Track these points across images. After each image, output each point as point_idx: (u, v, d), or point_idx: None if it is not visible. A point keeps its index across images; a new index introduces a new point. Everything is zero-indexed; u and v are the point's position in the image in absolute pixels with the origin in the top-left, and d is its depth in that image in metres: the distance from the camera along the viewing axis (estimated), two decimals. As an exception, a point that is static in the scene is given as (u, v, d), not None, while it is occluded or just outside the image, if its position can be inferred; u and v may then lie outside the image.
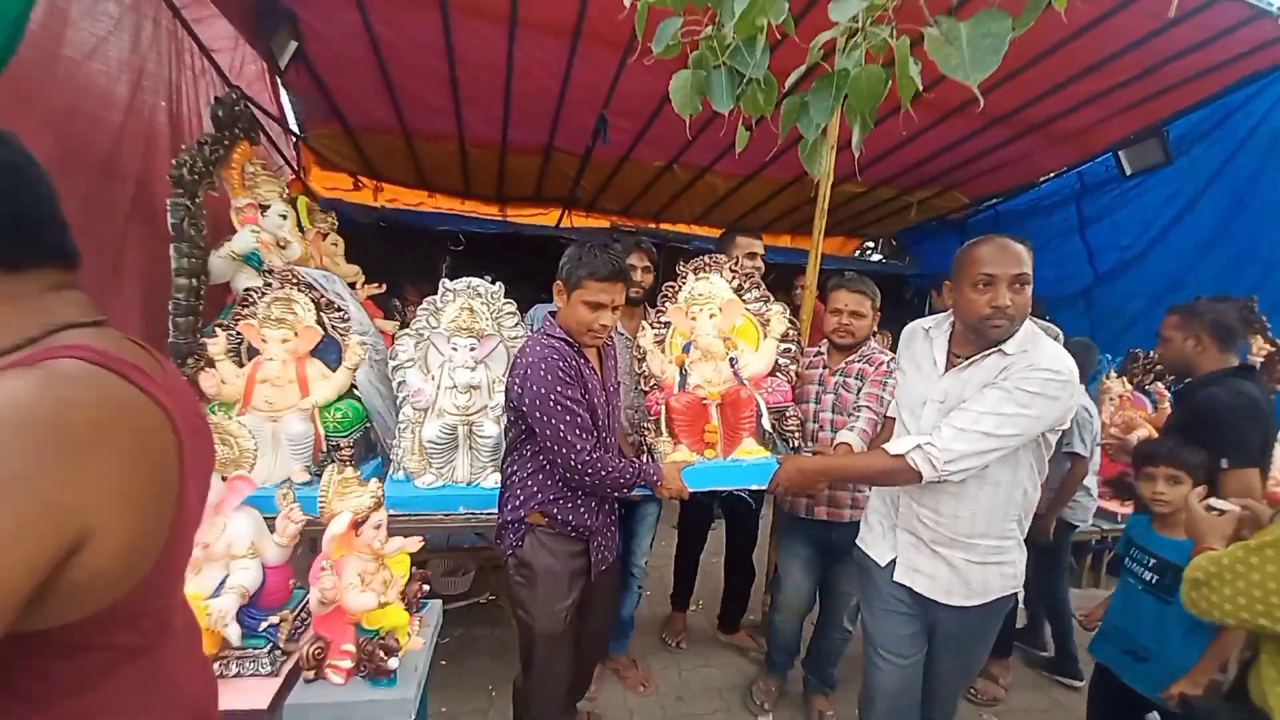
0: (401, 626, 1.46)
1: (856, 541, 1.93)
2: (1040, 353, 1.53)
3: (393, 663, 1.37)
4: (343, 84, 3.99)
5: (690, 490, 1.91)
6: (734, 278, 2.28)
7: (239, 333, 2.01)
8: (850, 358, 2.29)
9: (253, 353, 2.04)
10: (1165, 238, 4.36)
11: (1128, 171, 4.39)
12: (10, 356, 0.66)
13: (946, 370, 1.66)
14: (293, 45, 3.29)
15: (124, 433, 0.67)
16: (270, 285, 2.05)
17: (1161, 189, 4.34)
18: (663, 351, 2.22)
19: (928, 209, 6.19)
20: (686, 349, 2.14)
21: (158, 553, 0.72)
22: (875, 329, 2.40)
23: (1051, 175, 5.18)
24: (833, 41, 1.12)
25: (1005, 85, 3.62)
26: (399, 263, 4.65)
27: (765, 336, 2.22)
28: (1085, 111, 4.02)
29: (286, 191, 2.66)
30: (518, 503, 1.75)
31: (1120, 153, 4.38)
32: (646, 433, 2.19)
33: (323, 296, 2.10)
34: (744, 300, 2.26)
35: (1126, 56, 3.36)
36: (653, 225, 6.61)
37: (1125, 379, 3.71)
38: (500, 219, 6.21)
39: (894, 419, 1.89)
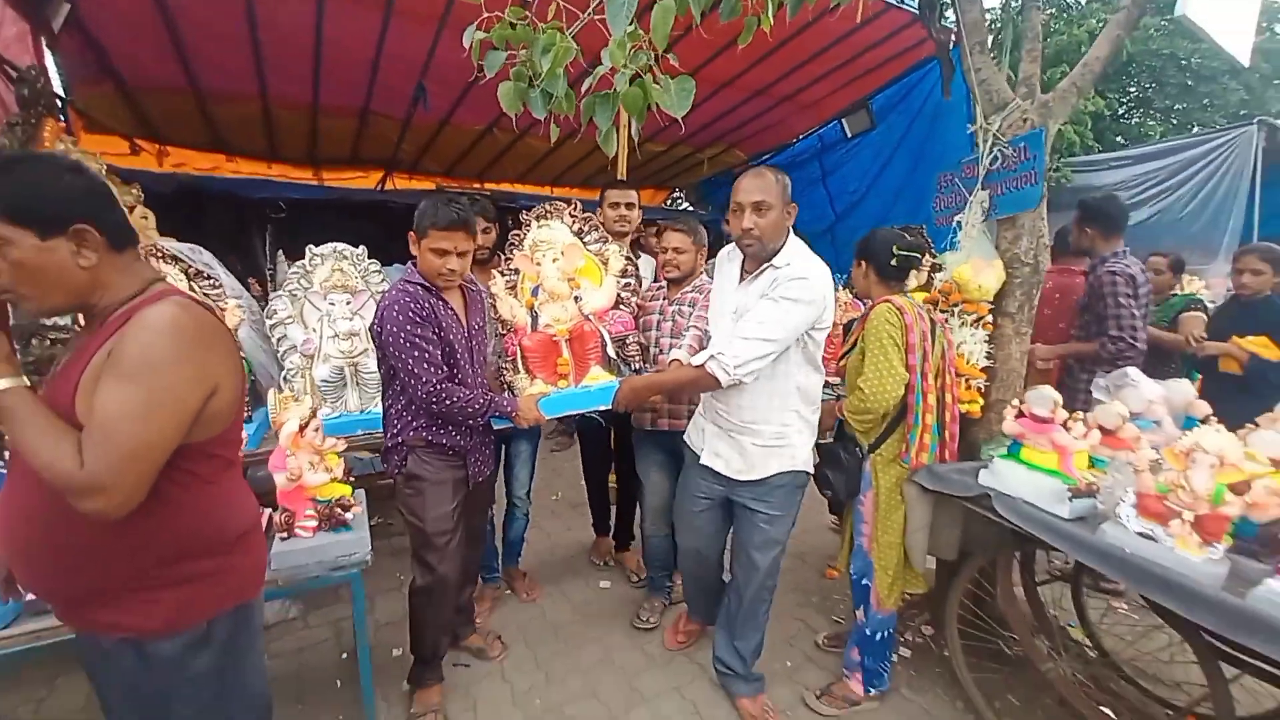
0: (346, 494, 1.86)
1: (684, 437, 2.22)
2: (797, 265, 1.77)
3: (349, 515, 1.81)
4: (121, 44, 3.67)
5: (547, 416, 2.09)
6: (574, 222, 2.37)
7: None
8: (684, 289, 2.48)
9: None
10: (875, 185, 5.76)
11: (848, 134, 5.68)
12: (136, 300, 1.05)
13: (739, 284, 1.92)
14: (66, 7, 3.07)
15: (221, 332, 1.13)
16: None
17: (871, 148, 5.69)
18: (514, 296, 2.32)
19: (716, 164, 7.21)
20: (535, 292, 2.23)
21: (240, 403, 1.18)
22: (703, 262, 2.62)
23: (801, 136, 6.41)
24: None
25: (759, 66, 4.57)
26: (213, 233, 4.43)
27: (606, 274, 2.32)
28: (817, 87, 5.14)
29: (104, 168, 2.60)
30: (395, 430, 1.96)
31: (842, 120, 5.67)
32: (505, 371, 2.31)
33: (191, 266, 2.21)
34: (584, 242, 2.36)
35: (837, 47, 4.43)
36: (477, 185, 6.82)
37: (849, 291, 5.01)
38: (316, 183, 5.99)
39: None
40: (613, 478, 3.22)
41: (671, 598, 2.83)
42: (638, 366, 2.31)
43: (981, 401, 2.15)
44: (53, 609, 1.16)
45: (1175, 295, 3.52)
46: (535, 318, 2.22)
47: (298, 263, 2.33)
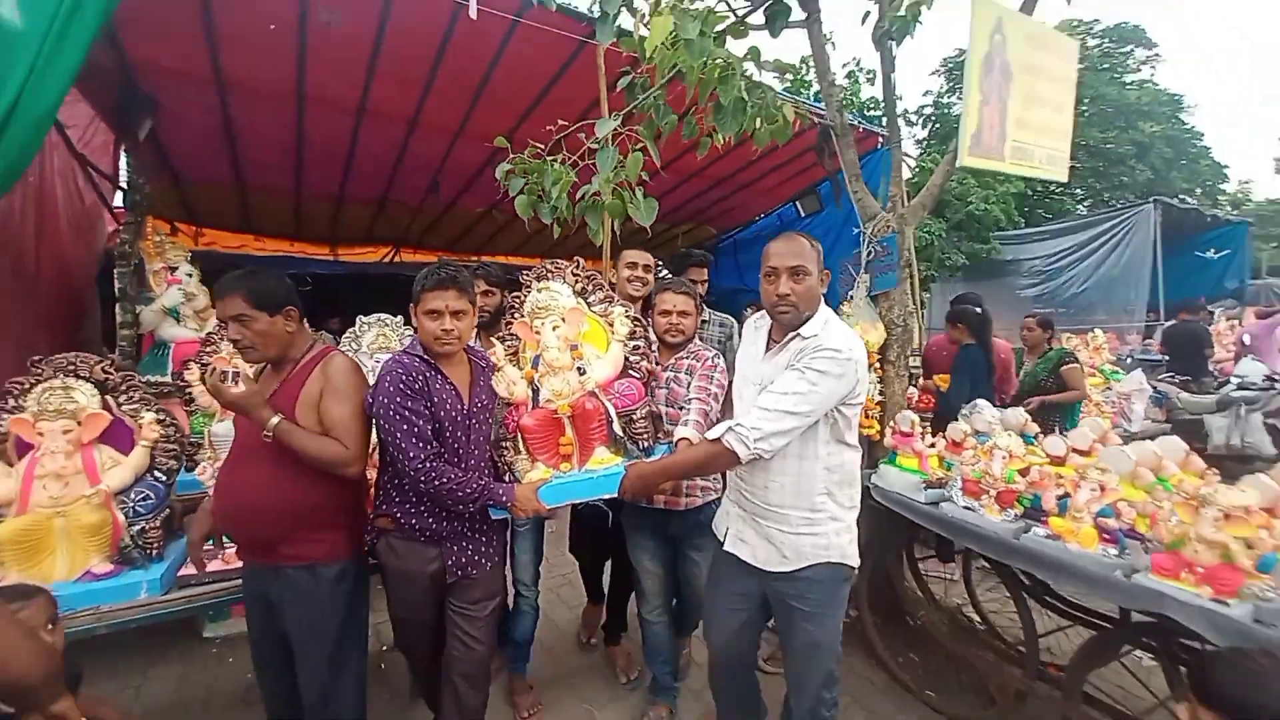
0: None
1: (713, 524, 1.99)
2: (828, 335, 1.61)
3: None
4: (184, 147, 4.33)
5: (548, 506, 1.87)
6: (576, 281, 2.19)
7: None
8: (679, 354, 2.28)
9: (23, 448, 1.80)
10: (825, 260, 6.61)
11: (802, 214, 6.55)
12: (312, 351, 1.64)
13: (765, 355, 1.76)
14: (149, 124, 3.75)
15: (363, 376, 1.67)
16: (41, 374, 1.84)
17: (822, 225, 6.51)
18: (516, 365, 2.12)
19: (690, 237, 8.06)
20: (536, 363, 2.03)
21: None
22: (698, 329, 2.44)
23: (762, 215, 7.30)
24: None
25: (720, 161, 5.40)
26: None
27: (613, 338, 2.11)
28: (770, 177, 6.01)
29: (188, 254, 3.20)
30: (375, 507, 1.82)
31: (797, 202, 6.56)
32: (506, 450, 2.04)
33: (110, 379, 1.94)
34: (588, 304, 2.16)
35: (791, 144, 5.31)
36: (475, 258, 7.57)
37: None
38: (332, 258, 6.67)
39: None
40: None
41: (677, 699, 2.48)
42: (646, 445, 2.05)
43: (878, 427, 2.76)
44: (252, 552, 1.71)
45: (1051, 349, 4.25)
46: (536, 392, 2.00)
47: (350, 329, 2.89)
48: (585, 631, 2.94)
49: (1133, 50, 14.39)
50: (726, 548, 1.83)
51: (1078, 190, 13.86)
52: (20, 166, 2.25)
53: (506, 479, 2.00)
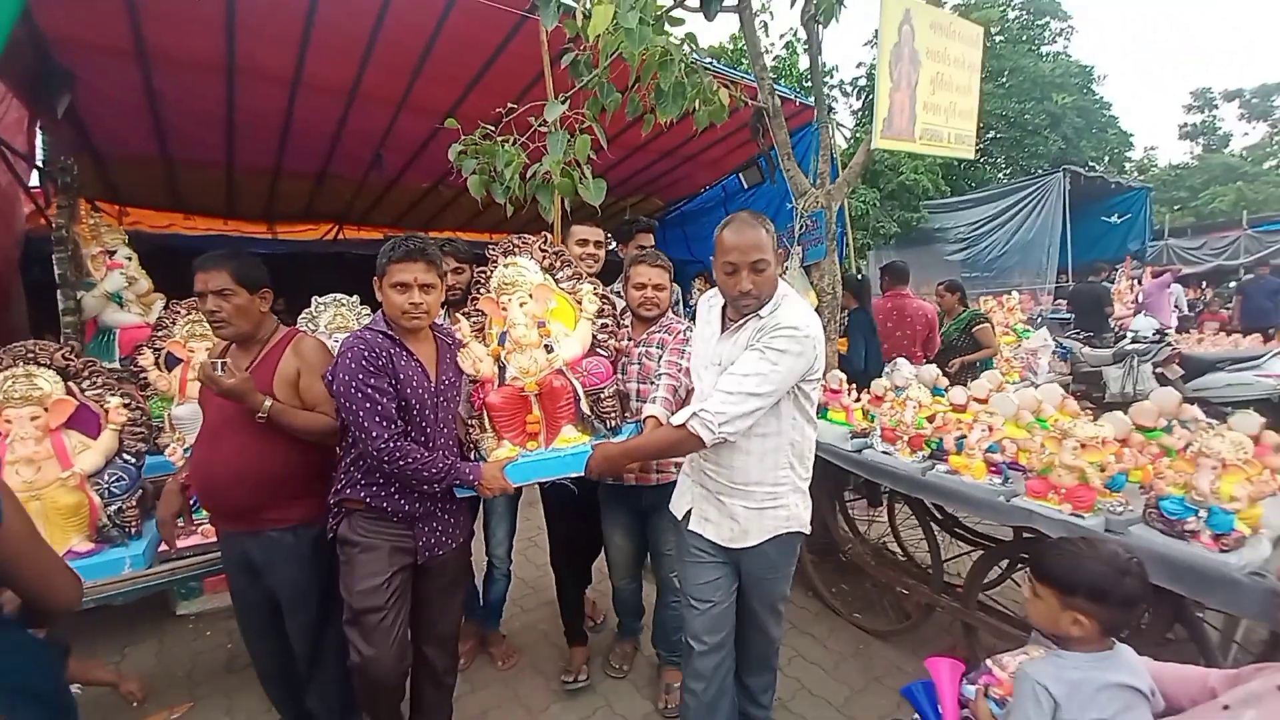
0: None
1: (670, 505, 1.94)
2: (785, 312, 1.58)
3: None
4: (105, 123, 4.09)
5: (514, 484, 1.85)
6: (545, 257, 2.13)
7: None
8: (651, 328, 2.23)
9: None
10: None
11: (745, 186, 6.73)
12: (278, 333, 1.70)
13: (721, 335, 1.72)
14: (67, 99, 3.55)
15: (331, 354, 1.76)
16: (1, 363, 1.85)
17: (764, 197, 6.72)
18: (483, 342, 2.05)
19: (638, 210, 8.14)
20: (502, 340, 1.98)
21: None
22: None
23: (707, 187, 7.47)
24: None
25: (665, 135, 5.50)
26: (186, 289, 4.84)
27: (581, 315, 2.06)
28: (715, 149, 6.14)
29: (125, 237, 3.09)
30: (337, 487, 1.74)
31: (740, 174, 6.75)
32: (472, 429, 2.00)
33: (71, 365, 1.96)
34: (556, 280, 2.11)
35: (732, 120, 5.47)
36: (421, 234, 7.42)
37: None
38: (270, 237, 6.43)
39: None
40: None
41: (640, 641, 2.62)
42: (614, 424, 2.03)
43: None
44: (234, 521, 1.76)
45: (964, 311, 4.67)
46: (503, 369, 1.96)
47: (305, 310, 2.90)
48: (571, 673, 2.50)
49: (1049, 22, 15.16)
50: (691, 527, 1.79)
51: (999, 160, 14.66)
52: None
53: (472, 457, 1.96)
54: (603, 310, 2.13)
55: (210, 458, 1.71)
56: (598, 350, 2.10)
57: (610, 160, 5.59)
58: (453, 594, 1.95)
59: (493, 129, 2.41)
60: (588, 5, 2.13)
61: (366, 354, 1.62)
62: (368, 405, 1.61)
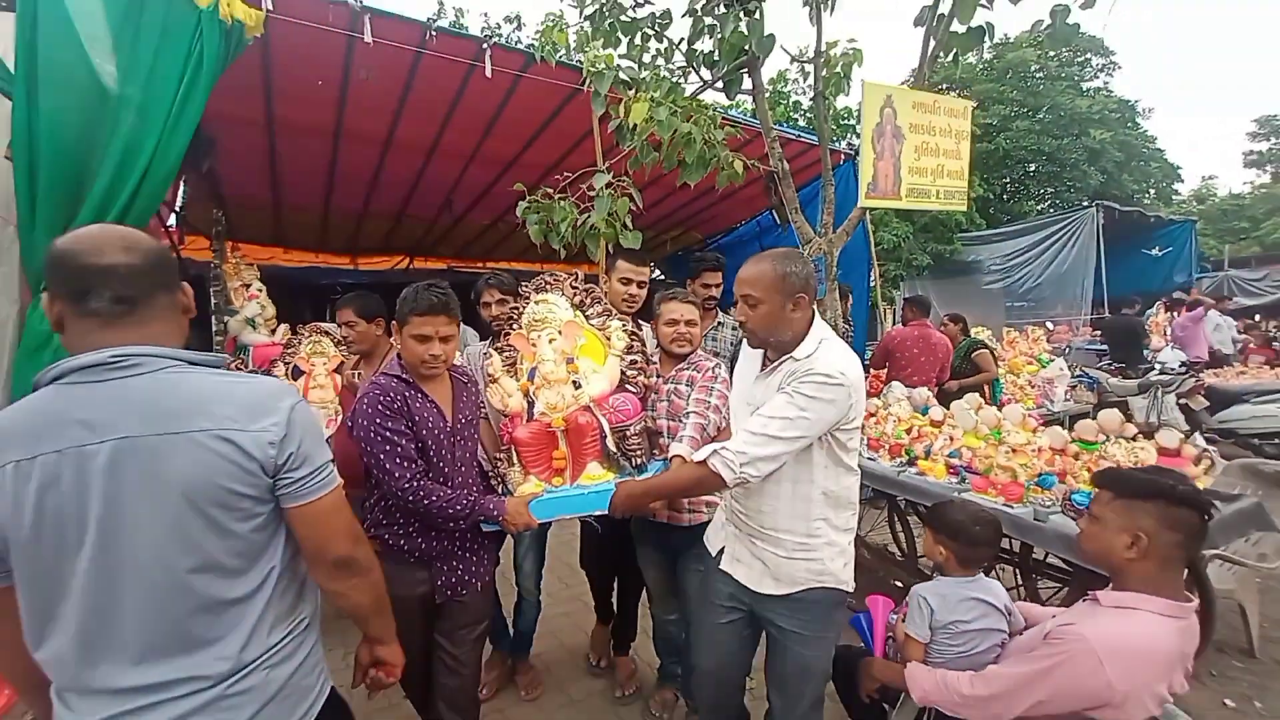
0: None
1: (705, 536, 1.93)
2: (821, 358, 1.53)
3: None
4: (235, 177, 4.95)
5: (538, 520, 1.84)
6: (575, 294, 2.13)
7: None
8: (680, 365, 2.21)
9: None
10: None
11: (777, 221, 7.19)
12: (393, 352, 2.26)
13: (759, 375, 1.69)
14: (209, 161, 4.34)
15: None
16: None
17: (793, 233, 7.22)
18: (514, 377, 2.07)
19: (678, 242, 8.71)
20: (532, 375, 1.99)
21: None
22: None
23: (743, 222, 7.94)
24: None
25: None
26: (294, 309, 5.63)
27: (610, 352, 2.06)
28: (751, 188, 6.59)
29: (259, 274, 3.81)
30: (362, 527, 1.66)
31: (773, 210, 7.19)
32: (500, 463, 2.02)
33: (576, 292, 2.14)
34: (586, 316, 2.11)
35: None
36: (481, 265, 8.18)
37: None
38: (352, 267, 7.29)
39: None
40: None
41: (681, 689, 2.48)
42: (639, 462, 2.00)
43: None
44: None
45: (964, 340, 4.98)
46: (531, 404, 1.98)
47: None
48: (594, 654, 2.77)
49: (1089, 59, 15.17)
50: (722, 566, 1.76)
51: (1038, 193, 14.64)
52: (152, 210, 2.87)
53: (500, 491, 1.97)
54: (631, 346, 2.11)
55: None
56: (626, 386, 2.07)
57: (654, 196, 6.19)
58: (470, 641, 1.86)
59: (551, 192, 2.96)
60: (629, 95, 2.67)
61: (382, 398, 1.66)
62: (387, 448, 1.64)
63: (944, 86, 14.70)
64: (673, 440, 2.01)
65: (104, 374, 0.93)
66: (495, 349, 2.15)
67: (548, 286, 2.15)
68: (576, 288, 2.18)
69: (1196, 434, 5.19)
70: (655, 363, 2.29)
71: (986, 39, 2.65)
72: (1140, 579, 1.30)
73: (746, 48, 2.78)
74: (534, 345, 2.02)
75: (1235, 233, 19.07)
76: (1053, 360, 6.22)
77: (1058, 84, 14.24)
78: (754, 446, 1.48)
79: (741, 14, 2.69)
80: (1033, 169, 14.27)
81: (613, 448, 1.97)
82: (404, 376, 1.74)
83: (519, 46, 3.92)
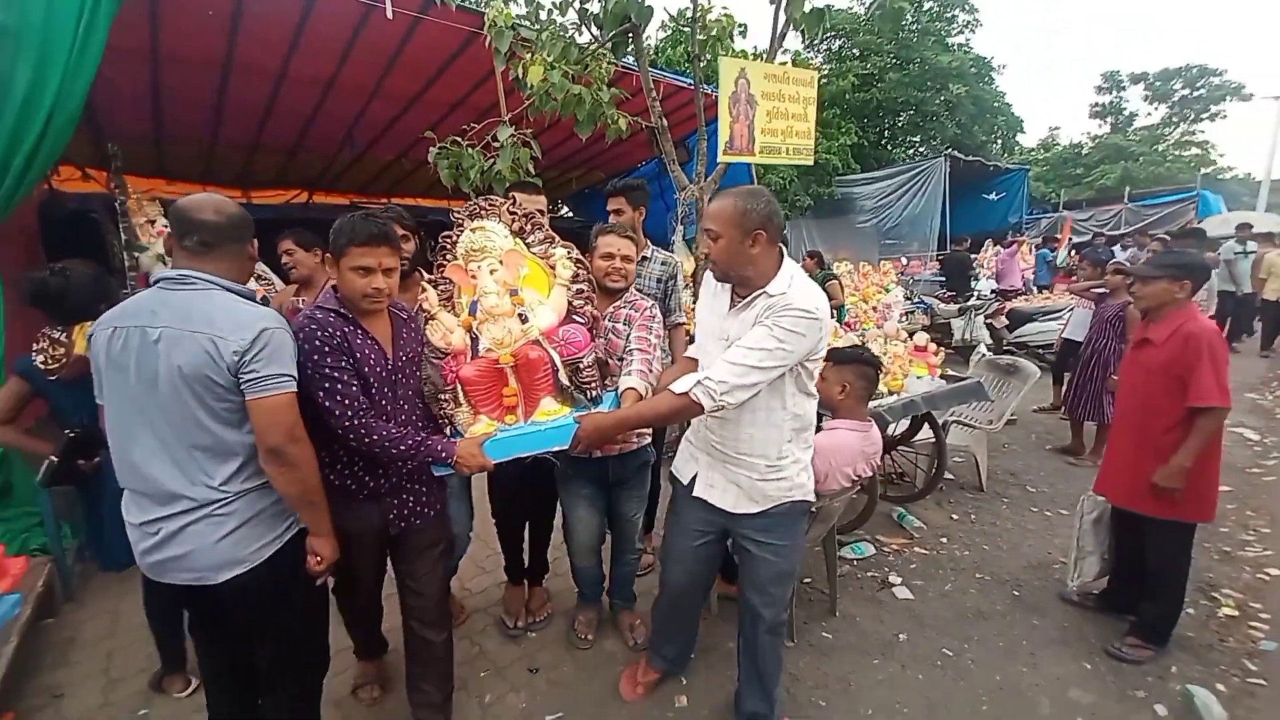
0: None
1: (672, 467, 1.98)
2: (796, 294, 1.57)
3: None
4: (114, 109, 4.59)
5: (493, 461, 1.70)
6: (513, 220, 1.94)
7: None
8: (616, 302, 2.13)
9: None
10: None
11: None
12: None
13: (730, 310, 1.69)
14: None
15: None
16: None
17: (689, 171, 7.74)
18: (451, 312, 1.89)
19: (583, 180, 8.95)
20: (473, 309, 1.82)
21: None
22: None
23: (643, 163, 8.31)
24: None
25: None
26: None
27: (555, 281, 1.91)
28: (649, 131, 7.04)
29: (161, 209, 3.77)
30: None
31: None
32: (445, 403, 1.85)
33: (514, 218, 1.92)
34: (527, 244, 1.94)
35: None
36: (385, 200, 8.02)
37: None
38: (244, 200, 6.94)
39: (687, 358, 1.94)
40: None
41: (602, 609, 2.54)
42: (594, 394, 1.89)
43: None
44: None
45: (819, 272, 5.90)
46: (475, 340, 1.82)
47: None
48: (511, 617, 2.56)
49: (956, 15, 16.40)
50: (696, 493, 1.83)
51: (905, 141, 16.07)
52: (57, 152, 2.89)
53: (447, 433, 1.83)
54: (578, 275, 1.95)
55: None
56: (574, 317, 1.91)
57: (557, 138, 6.39)
58: (433, 560, 1.87)
59: (459, 139, 3.27)
60: (527, 57, 3.01)
61: (319, 334, 1.54)
62: (327, 385, 1.53)
63: (830, 34, 15.41)
64: (613, 376, 2.01)
65: (175, 285, 1.40)
66: (429, 282, 1.95)
67: (483, 212, 1.93)
68: (515, 213, 1.96)
69: (982, 345, 6.50)
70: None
71: (825, 20, 3.21)
72: (844, 411, 2.15)
73: (629, 16, 3.17)
74: (473, 277, 1.84)
75: (1072, 178, 21.83)
76: (893, 289, 7.37)
77: (926, 38, 15.37)
78: (735, 376, 1.54)
79: (624, -15, 3.06)
80: (901, 120, 15.57)
81: (566, 381, 1.83)
82: (341, 310, 1.62)
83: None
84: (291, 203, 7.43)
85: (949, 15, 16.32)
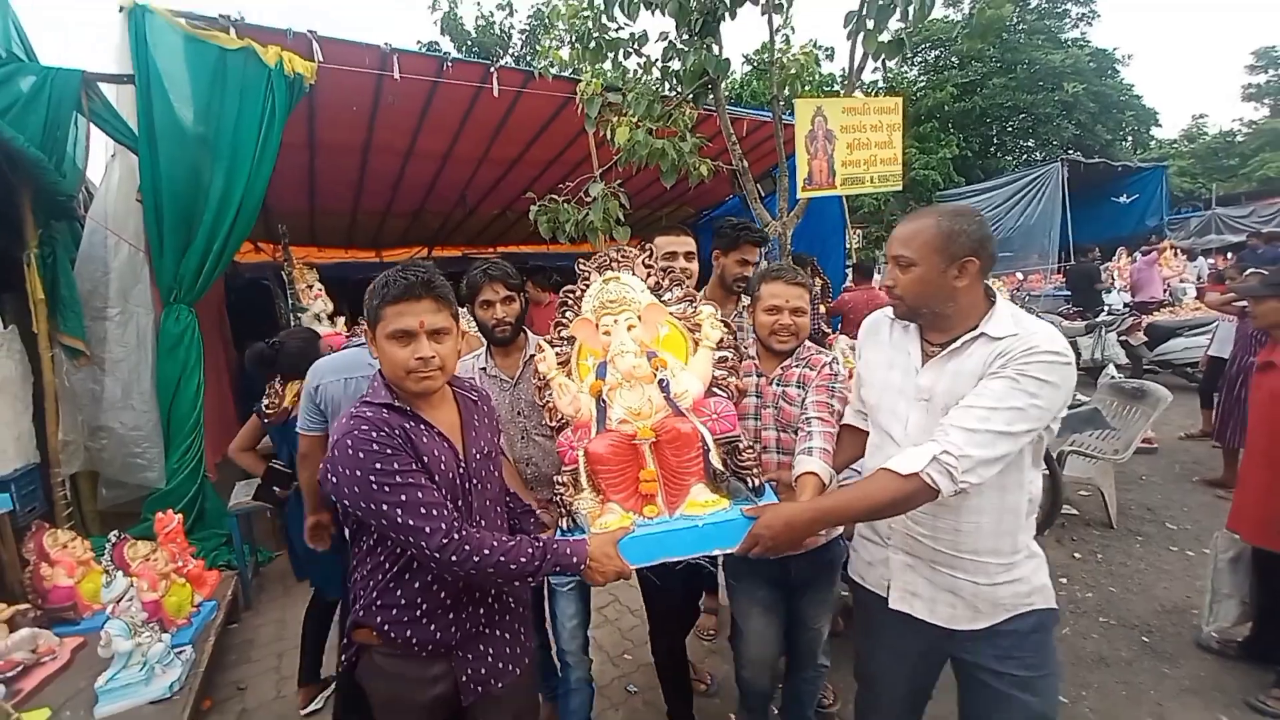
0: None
1: (849, 571, 1.57)
2: (1035, 334, 1.21)
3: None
4: (278, 190, 5.60)
5: (633, 567, 1.30)
6: (649, 274, 1.68)
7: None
8: (787, 362, 1.77)
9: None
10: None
11: (762, 194, 7.76)
12: None
13: (925, 363, 1.34)
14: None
15: None
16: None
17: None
18: (569, 377, 1.61)
19: (673, 217, 9.29)
20: (601, 373, 1.53)
21: None
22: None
23: (731, 196, 8.50)
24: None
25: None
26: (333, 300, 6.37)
27: (697, 347, 1.60)
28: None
29: (318, 275, 4.52)
30: (353, 615, 1.29)
31: (758, 184, 7.77)
32: (563, 490, 1.49)
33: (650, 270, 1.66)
34: (664, 302, 1.66)
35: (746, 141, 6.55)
36: (493, 249, 8.84)
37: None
38: (378, 260, 7.98)
39: (852, 428, 1.58)
40: None
41: None
42: (757, 483, 1.49)
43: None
44: None
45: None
46: (603, 409, 1.51)
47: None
48: None
49: (1068, 9, 15.19)
50: (893, 605, 1.40)
51: (1014, 148, 14.92)
52: (244, 236, 3.59)
53: (564, 526, 1.47)
54: (723, 340, 1.62)
55: None
56: (715, 390, 1.60)
57: (647, 177, 6.76)
58: None
59: (556, 196, 3.62)
60: (615, 119, 3.31)
61: (372, 435, 1.17)
62: (402, 498, 1.15)
63: (925, 45, 14.89)
64: (781, 454, 1.70)
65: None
66: (547, 341, 1.66)
67: (616, 264, 1.67)
68: (651, 266, 1.68)
69: (1111, 365, 5.86)
70: (753, 358, 1.82)
71: (905, 49, 3.25)
72: None
73: (707, 70, 3.40)
74: (606, 334, 1.56)
75: (1225, 170, 19.13)
76: (1009, 307, 6.86)
77: (1035, 38, 14.37)
78: (978, 447, 1.16)
79: (702, 45, 3.30)
80: (1010, 126, 14.54)
81: (719, 465, 1.47)
82: (394, 403, 1.24)
83: (520, 66, 4.47)
84: (414, 258, 8.41)
85: (1060, 10, 15.18)
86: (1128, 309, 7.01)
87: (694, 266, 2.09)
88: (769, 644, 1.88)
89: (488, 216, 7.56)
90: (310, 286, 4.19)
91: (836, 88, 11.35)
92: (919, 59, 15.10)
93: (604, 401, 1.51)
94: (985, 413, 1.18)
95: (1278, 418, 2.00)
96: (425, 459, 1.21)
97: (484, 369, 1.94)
